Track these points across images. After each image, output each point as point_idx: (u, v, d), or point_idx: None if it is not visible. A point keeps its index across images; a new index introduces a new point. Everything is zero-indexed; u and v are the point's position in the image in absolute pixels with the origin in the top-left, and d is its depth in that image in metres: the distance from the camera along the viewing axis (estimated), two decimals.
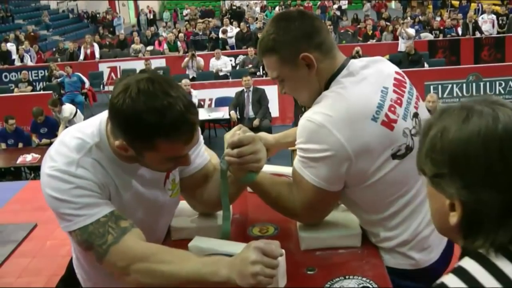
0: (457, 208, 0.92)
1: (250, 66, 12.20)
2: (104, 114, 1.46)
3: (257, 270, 1.22)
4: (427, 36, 14.87)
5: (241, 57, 13.48)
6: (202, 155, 1.71)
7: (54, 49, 17.89)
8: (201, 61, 12.53)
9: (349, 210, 1.72)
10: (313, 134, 1.46)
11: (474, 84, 10.44)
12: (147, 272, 1.34)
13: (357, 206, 1.63)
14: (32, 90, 12.50)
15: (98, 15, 27.61)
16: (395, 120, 1.50)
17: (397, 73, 1.65)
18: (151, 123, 1.28)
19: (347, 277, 1.48)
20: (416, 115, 1.60)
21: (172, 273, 1.32)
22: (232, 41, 15.34)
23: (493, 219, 0.89)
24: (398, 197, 1.55)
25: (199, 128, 1.40)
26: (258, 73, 12.00)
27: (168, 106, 1.29)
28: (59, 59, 14.85)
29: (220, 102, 10.16)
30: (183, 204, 1.86)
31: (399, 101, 1.55)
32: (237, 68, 13.00)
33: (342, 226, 1.68)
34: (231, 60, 13.15)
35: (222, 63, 12.39)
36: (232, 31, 15.93)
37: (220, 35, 15.61)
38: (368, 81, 1.53)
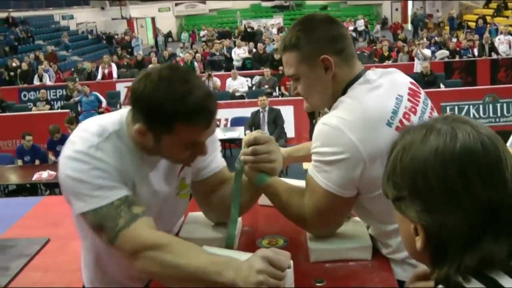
0: (419, 232, 0.88)
1: (266, 86, 12.26)
2: (127, 108, 1.51)
3: (261, 280, 1.20)
4: (443, 53, 14.77)
5: (257, 78, 13.56)
6: (217, 160, 1.74)
7: (72, 69, 18.14)
8: (217, 81, 12.62)
9: (362, 220, 1.70)
10: (328, 137, 1.47)
11: (490, 105, 10.35)
12: (155, 261, 1.33)
13: (371, 215, 1.61)
14: (50, 109, 12.66)
15: (116, 36, 28.04)
16: None
17: (411, 83, 1.66)
18: (171, 107, 1.34)
19: None
20: None
21: (179, 266, 1.30)
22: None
23: (458, 243, 0.85)
24: None
25: (216, 121, 1.45)
26: (274, 94, 12.06)
27: (188, 92, 1.35)
28: (77, 79, 15.02)
29: (236, 121, 10.18)
30: (195, 214, 1.87)
31: (413, 110, 1.55)
32: (253, 88, 13.06)
33: (353, 238, 1.65)
34: (247, 81, 13.22)
35: (239, 84, 12.48)
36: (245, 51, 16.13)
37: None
38: (383, 88, 1.54)
